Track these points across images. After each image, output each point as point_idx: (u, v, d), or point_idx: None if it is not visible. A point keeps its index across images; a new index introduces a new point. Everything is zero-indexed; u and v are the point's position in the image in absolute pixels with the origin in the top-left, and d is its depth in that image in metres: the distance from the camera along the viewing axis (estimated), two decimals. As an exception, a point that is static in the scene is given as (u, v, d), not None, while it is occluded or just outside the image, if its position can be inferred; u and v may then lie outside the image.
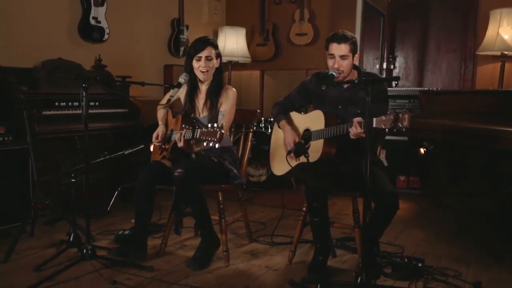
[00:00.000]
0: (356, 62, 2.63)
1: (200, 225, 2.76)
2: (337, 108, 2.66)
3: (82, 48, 4.19)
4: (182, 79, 2.76)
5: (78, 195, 2.78)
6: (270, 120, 4.81)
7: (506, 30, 4.21)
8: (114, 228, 3.31)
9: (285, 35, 5.68)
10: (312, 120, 2.67)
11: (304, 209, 2.71)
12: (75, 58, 3.89)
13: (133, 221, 2.89)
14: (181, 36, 5.18)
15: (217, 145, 2.22)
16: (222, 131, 2.23)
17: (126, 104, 4.01)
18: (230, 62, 5.38)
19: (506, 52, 4.24)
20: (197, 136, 2.36)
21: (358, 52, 2.59)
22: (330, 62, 2.56)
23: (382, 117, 2.13)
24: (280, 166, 2.78)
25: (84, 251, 2.51)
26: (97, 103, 3.83)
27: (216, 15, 5.92)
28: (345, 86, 2.64)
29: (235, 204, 3.42)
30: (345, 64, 2.54)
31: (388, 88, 4.79)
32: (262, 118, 4.99)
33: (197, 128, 2.41)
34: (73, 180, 2.69)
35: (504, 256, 2.84)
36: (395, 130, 2.08)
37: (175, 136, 2.63)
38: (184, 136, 2.54)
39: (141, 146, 2.81)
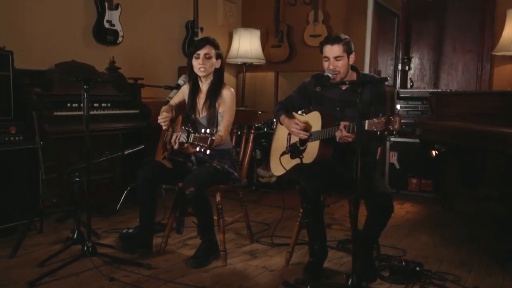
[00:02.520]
0: (352, 62, 2.61)
1: (204, 231, 2.81)
2: (335, 109, 2.65)
3: (97, 50, 4.30)
4: (181, 80, 2.81)
5: (83, 194, 2.86)
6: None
7: (523, 30, 4.10)
8: (121, 227, 3.37)
9: (300, 37, 5.69)
10: (310, 121, 2.67)
11: (301, 210, 2.71)
12: (90, 60, 3.99)
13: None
14: (195, 38, 5.23)
15: (208, 151, 2.26)
16: (213, 138, 2.27)
17: (137, 105, 4.09)
18: (244, 63, 5.42)
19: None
20: (191, 141, 2.41)
21: (353, 53, 2.58)
22: (325, 65, 2.56)
23: (374, 119, 2.11)
24: (278, 166, 2.79)
25: (85, 248, 2.58)
26: (109, 104, 3.92)
27: (232, 17, 5.97)
28: (343, 87, 2.63)
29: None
30: (341, 65, 2.53)
31: (402, 90, 4.82)
32: (275, 120, 4.99)
33: (191, 133, 2.44)
34: (77, 179, 2.77)
35: (509, 262, 2.77)
36: (386, 132, 2.07)
37: (172, 139, 2.68)
38: (178, 139, 2.59)
39: (141, 146, 2.87)
